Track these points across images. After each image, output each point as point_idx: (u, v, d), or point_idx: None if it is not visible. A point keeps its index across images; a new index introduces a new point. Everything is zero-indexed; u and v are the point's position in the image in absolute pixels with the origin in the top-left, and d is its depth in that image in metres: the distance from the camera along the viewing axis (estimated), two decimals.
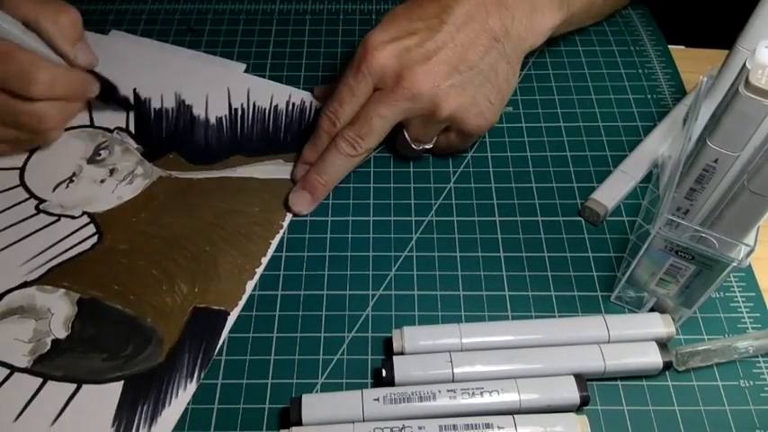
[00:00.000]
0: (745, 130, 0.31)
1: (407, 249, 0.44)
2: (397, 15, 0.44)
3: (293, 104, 0.52)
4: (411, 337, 0.38)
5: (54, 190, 0.47)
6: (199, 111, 0.51)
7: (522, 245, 0.44)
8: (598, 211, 0.44)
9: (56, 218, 0.45)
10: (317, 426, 0.35)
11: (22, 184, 0.47)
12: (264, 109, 0.51)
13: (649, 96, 0.53)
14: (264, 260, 0.43)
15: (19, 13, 0.43)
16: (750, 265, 0.43)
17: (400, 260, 0.44)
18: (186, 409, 0.37)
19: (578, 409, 0.36)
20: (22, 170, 0.48)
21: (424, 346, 0.38)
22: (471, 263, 0.43)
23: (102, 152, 0.48)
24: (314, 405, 0.35)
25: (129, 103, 0.51)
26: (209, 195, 0.47)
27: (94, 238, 0.44)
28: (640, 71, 0.55)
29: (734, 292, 0.42)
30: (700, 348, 0.38)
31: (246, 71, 0.54)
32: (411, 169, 0.48)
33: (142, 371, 0.39)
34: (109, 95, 0.50)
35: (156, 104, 0.52)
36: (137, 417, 0.37)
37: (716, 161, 0.32)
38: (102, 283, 0.42)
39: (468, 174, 0.48)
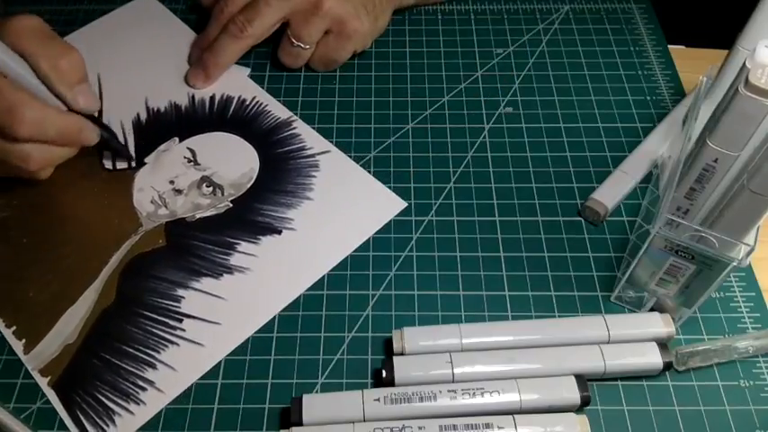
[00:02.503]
0: (745, 130, 0.31)
1: (407, 249, 0.44)
2: None
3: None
4: (411, 337, 0.38)
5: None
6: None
7: (522, 245, 0.44)
8: (598, 211, 0.44)
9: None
10: (317, 426, 0.35)
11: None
12: None
13: (649, 98, 0.53)
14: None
15: (19, 47, 0.41)
16: (750, 265, 0.43)
17: (400, 260, 0.44)
18: (186, 409, 0.38)
19: (579, 409, 0.36)
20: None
21: (424, 346, 0.38)
22: (471, 263, 0.43)
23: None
24: (314, 405, 0.35)
25: (129, 153, 0.49)
26: None
27: None
28: (640, 72, 0.55)
29: (734, 292, 0.42)
30: (700, 348, 0.38)
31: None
32: (411, 169, 0.48)
33: None
34: (108, 145, 0.47)
35: None
36: None
37: (716, 161, 0.33)
38: None
39: (468, 174, 0.48)
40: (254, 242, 0.44)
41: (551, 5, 0.60)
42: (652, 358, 0.37)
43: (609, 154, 0.49)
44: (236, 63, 0.54)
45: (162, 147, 0.49)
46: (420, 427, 0.34)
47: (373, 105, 0.52)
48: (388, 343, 0.39)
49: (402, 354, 0.38)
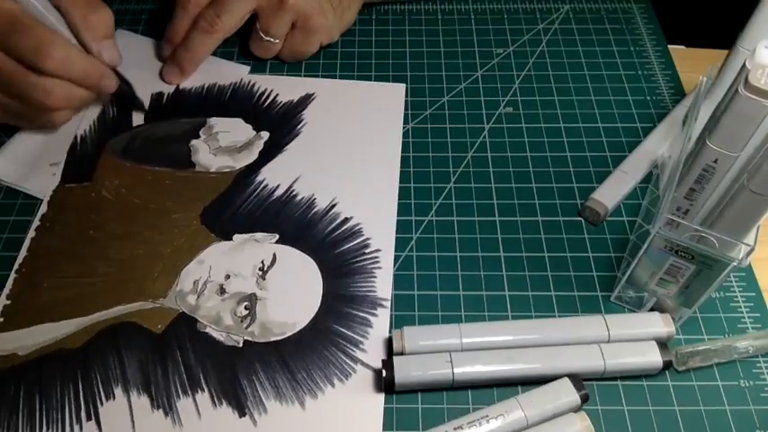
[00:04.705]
0: (745, 130, 0.31)
1: (407, 249, 0.44)
2: None
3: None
4: (411, 337, 0.38)
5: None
6: None
7: (522, 245, 0.44)
8: (598, 211, 0.44)
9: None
10: None
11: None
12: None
13: (649, 98, 0.53)
14: None
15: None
16: (750, 265, 0.43)
17: (400, 260, 0.44)
18: None
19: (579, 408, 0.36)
20: None
21: (424, 346, 0.38)
22: (471, 263, 0.43)
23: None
24: None
25: (144, 106, 0.51)
26: None
27: None
28: (640, 72, 0.55)
29: (734, 292, 0.42)
30: (700, 348, 0.38)
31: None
32: (411, 169, 0.48)
33: None
34: (125, 95, 0.50)
35: None
36: None
37: (716, 161, 0.33)
38: None
39: (468, 174, 0.48)
40: (212, 404, 0.37)
41: (551, 5, 0.60)
42: (652, 357, 0.37)
43: (609, 154, 0.49)
44: (238, 62, 0.55)
45: (259, 236, 0.43)
46: None
47: None
48: (388, 343, 0.39)
49: (402, 353, 0.38)
